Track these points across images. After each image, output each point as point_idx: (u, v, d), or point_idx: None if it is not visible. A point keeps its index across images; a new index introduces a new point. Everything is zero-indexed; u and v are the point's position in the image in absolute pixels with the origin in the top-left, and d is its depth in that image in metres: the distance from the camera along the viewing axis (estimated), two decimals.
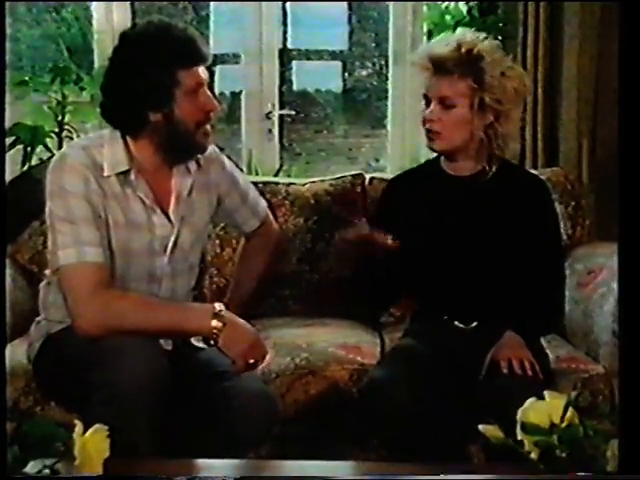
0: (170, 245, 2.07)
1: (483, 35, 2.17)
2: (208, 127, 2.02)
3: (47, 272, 2.16)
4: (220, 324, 1.93)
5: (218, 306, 1.96)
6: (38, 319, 2.16)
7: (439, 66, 2.12)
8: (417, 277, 2.23)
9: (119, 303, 1.94)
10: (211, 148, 2.16)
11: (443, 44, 2.16)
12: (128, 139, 2.03)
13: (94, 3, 3.54)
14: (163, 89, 1.95)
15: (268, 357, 2.31)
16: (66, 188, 1.96)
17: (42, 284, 2.17)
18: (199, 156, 2.10)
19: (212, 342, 1.95)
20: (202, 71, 1.99)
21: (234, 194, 2.25)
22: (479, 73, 2.11)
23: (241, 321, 1.98)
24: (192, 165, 2.10)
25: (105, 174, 1.99)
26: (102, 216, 1.99)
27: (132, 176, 2.01)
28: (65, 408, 2.13)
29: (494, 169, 2.19)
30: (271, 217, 2.42)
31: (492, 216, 2.19)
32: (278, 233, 2.46)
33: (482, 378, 2.03)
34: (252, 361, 1.98)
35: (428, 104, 2.16)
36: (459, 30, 2.29)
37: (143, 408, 1.80)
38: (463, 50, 2.11)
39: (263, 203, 2.38)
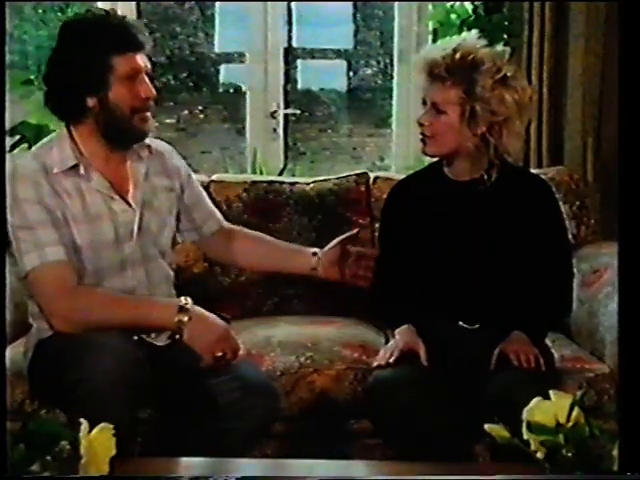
0: (135, 229, 2.09)
1: (485, 42, 2.13)
2: (147, 114, 2.05)
3: None
4: (185, 318, 1.94)
5: (184, 300, 1.98)
6: (31, 330, 2.17)
7: (433, 71, 2.11)
8: (422, 279, 2.22)
9: (85, 299, 1.98)
10: (164, 144, 2.23)
11: (441, 48, 2.14)
12: (74, 134, 2.07)
13: (99, 4, 3.54)
14: (96, 73, 1.99)
15: (272, 355, 2.32)
16: (19, 196, 1.99)
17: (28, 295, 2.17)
18: (150, 144, 2.14)
19: (177, 336, 1.96)
20: (140, 58, 2.03)
21: (192, 187, 2.27)
22: (471, 82, 2.08)
23: (208, 314, 1.99)
24: (143, 152, 2.14)
25: (54, 171, 2.02)
26: (59, 216, 2.01)
27: (81, 170, 2.04)
28: (61, 410, 2.10)
29: (494, 176, 2.17)
30: (231, 229, 2.36)
31: (494, 219, 2.19)
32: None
33: (489, 374, 2.03)
34: (220, 354, 1.97)
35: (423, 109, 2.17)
36: (464, 34, 2.26)
37: (120, 402, 1.81)
38: (457, 56, 2.08)
39: (219, 213, 2.35)
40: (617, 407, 2.31)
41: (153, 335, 2.08)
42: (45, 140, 2.16)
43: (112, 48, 1.99)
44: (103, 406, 1.75)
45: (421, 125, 2.15)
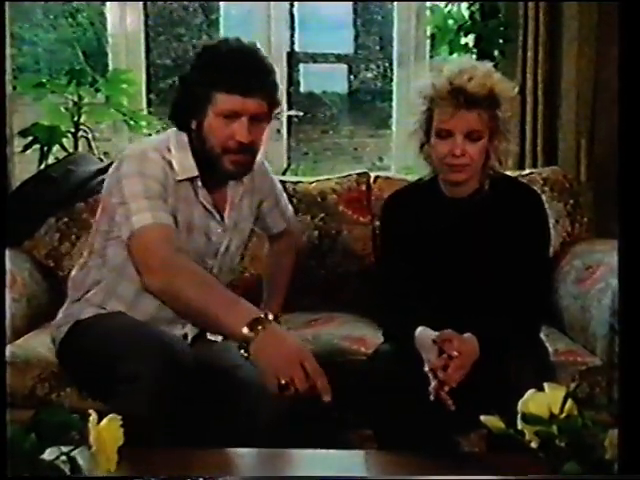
0: (222, 249, 2.13)
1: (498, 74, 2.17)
2: (240, 157, 1.99)
3: (84, 253, 2.21)
4: (252, 334, 1.70)
5: (262, 313, 1.77)
6: (72, 299, 2.18)
7: (468, 100, 2.05)
8: (420, 290, 2.20)
9: (182, 276, 1.85)
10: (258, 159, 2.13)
11: (465, 77, 2.07)
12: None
13: (108, 8, 3.58)
14: (199, 100, 1.98)
15: None
16: (146, 172, 1.98)
17: (76, 268, 2.21)
18: None
19: (242, 349, 1.74)
20: (249, 102, 1.95)
21: (271, 198, 2.32)
22: (496, 106, 2.09)
23: (285, 333, 1.76)
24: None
25: (177, 178, 2.03)
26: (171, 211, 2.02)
27: (199, 183, 2.06)
28: (88, 394, 2.18)
29: (487, 186, 2.17)
30: (295, 219, 2.48)
31: (487, 231, 2.17)
32: (301, 233, 2.50)
33: (485, 368, 2.01)
34: (284, 382, 1.67)
35: (443, 137, 2.08)
36: (482, 65, 2.18)
37: (165, 401, 1.83)
38: (489, 84, 2.07)
39: (290, 207, 2.45)
40: (610, 399, 2.37)
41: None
42: (156, 139, 2.17)
43: (219, 84, 1.94)
44: (149, 404, 1.78)
45: (456, 156, 2.07)
